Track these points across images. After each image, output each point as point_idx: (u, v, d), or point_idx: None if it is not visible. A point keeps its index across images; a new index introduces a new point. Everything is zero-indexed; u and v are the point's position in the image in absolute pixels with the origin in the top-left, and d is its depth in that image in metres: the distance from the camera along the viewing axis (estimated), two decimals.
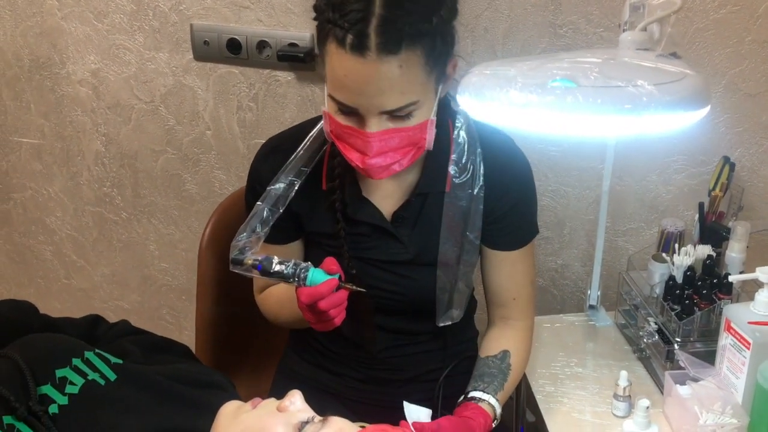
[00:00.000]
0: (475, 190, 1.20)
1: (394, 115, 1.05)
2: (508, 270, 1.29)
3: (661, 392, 1.35)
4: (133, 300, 2.25)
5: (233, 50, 1.82)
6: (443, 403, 1.30)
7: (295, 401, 0.93)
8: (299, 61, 1.75)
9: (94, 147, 2.05)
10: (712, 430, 1.18)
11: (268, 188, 1.18)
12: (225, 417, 0.94)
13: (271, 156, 1.26)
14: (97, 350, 0.99)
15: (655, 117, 0.83)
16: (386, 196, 1.24)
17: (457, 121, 1.19)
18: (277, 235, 1.24)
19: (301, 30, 1.76)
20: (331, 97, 1.08)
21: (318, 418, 0.92)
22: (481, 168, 1.20)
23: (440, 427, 1.10)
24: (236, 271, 1.14)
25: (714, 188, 1.41)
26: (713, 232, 1.38)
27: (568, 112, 0.83)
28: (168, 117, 1.96)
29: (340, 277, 1.10)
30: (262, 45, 1.80)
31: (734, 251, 1.34)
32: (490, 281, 1.31)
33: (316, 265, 1.11)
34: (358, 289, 1.11)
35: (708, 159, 1.60)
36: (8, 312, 1.07)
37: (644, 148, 1.62)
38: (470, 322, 1.43)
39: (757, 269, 1.19)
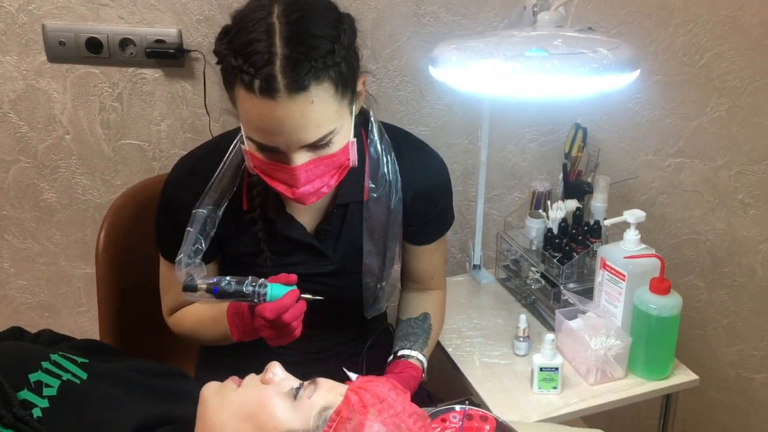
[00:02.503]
0: (393, 203, 1.25)
1: (315, 145, 1.07)
2: (427, 258, 1.40)
3: (549, 331, 1.55)
4: None
5: (93, 50, 1.76)
6: (368, 372, 1.39)
7: (277, 372, 0.96)
8: (170, 57, 1.74)
9: None
10: (603, 353, 1.39)
11: (193, 211, 1.18)
12: (212, 398, 0.93)
13: (190, 179, 1.23)
14: (60, 352, 0.98)
15: (611, 77, 1.00)
16: (308, 211, 1.26)
17: (370, 133, 1.23)
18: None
19: (167, 26, 1.75)
20: (248, 138, 1.09)
21: (305, 382, 0.97)
22: (398, 181, 1.25)
23: None
24: (189, 298, 1.13)
25: (570, 151, 1.63)
26: (576, 188, 1.60)
27: (548, 76, 0.97)
28: (19, 124, 1.85)
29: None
30: (125, 43, 1.76)
31: (598, 201, 1.58)
32: (410, 268, 1.40)
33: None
34: (316, 297, 1.14)
35: (555, 128, 1.84)
36: None
37: (502, 123, 1.81)
38: None
39: (624, 213, 1.41)
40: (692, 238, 1.95)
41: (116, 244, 1.51)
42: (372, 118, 1.25)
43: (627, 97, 1.82)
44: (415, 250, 1.37)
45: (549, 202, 1.59)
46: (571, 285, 1.55)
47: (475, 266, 1.75)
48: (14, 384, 0.88)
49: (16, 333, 1.12)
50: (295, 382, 0.96)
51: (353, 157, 1.13)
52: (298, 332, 1.14)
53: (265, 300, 1.10)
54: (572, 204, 1.57)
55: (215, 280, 1.10)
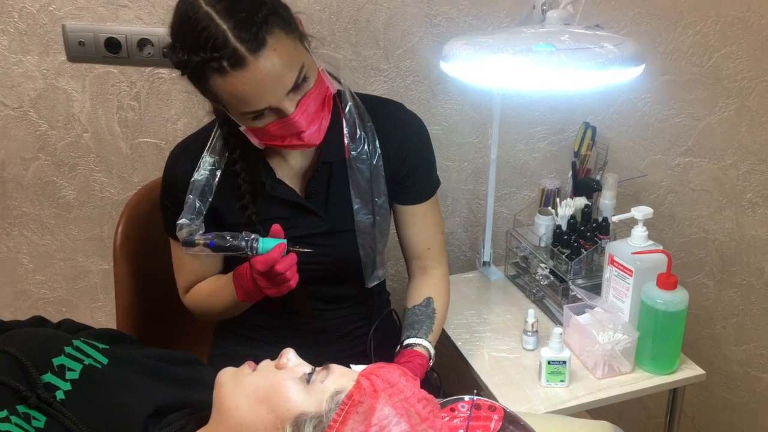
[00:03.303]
0: (374, 161, 1.33)
1: (296, 87, 1.16)
2: (419, 222, 1.44)
3: (557, 326, 1.57)
4: (5, 318, 2.12)
5: (112, 49, 1.80)
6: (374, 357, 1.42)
7: (291, 357, 0.99)
8: None
9: None
10: (610, 347, 1.41)
11: (192, 180, 1.26)
12: (228, 383, 0.95)
13: (182, 158, 1.33)
14: (82, 338, 1.01)
15: (616, 71, 1.03)
16: (296, 175, 1.35)
17: (343, 99, 1.32)
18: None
19: None
20: (242, 116, 1.17)
21: (318, 368, 1.00)
22: (376, 140, 1.33)
23: None
24: (189, 253, 1.22)
25: (580, 149, 1.66)
26: (585, 185, 1.62)
27: (556, 69, 1.00)
28: (39, 122, 1.89)
29: (287, 241, 1.20)
30: (143, 43, 1.80)
31: (607, 198, 1.60)
32: (405, 235, 1.45)
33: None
34: (305, 250, 1.22)
35: (565, 127, 1.86)
36: None
37: (512, 122, 1.84)
38: (383, 283, 1.56)
39: (632, 209, 1.43)
40: (701, 237, 1.97)
41: (133, 239, 1.55)
42: (344, 86, 1.32)
43: (636, 97, 1.84)
44: (407, 213, 1.42)
45: (558, 200, 1.62)
46: (580, 281, 1.57)
47: (484, 263, 1.78)
48: (38, 367, 0.92)
49: (39, 321, 1.16)
50: (308, 367, 0.99)
51: (329, 82, 1.22)
52: (293, 283, 1.23)
53: (256, 253, 1.19)
54: (581, 201, 1.60)
55: (211, 235, 1.20)
